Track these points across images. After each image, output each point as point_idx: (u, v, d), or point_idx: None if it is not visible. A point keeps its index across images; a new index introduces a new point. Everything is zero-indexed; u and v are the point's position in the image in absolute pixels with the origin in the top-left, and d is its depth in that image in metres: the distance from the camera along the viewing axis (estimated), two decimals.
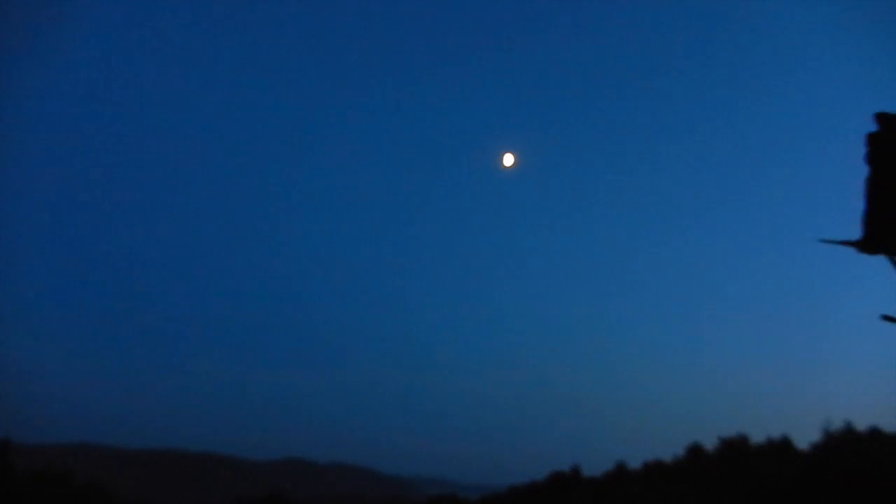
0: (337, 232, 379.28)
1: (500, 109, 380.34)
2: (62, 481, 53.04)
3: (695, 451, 53.35)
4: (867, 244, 9.80)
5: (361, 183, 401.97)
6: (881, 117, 9.71)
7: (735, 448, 48.72)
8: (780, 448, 45.95)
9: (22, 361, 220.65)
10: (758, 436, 48.96)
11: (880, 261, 9.83)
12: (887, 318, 9.79)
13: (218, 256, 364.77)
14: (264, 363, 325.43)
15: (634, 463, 61.61)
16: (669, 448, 70.82)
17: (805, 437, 44.04)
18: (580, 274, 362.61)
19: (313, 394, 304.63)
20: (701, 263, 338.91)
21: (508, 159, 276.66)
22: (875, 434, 39.20)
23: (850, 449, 36.26)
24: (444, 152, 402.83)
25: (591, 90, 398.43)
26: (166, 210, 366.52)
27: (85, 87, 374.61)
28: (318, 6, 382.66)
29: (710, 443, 52.06)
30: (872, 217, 9.72)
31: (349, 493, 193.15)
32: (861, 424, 39.71)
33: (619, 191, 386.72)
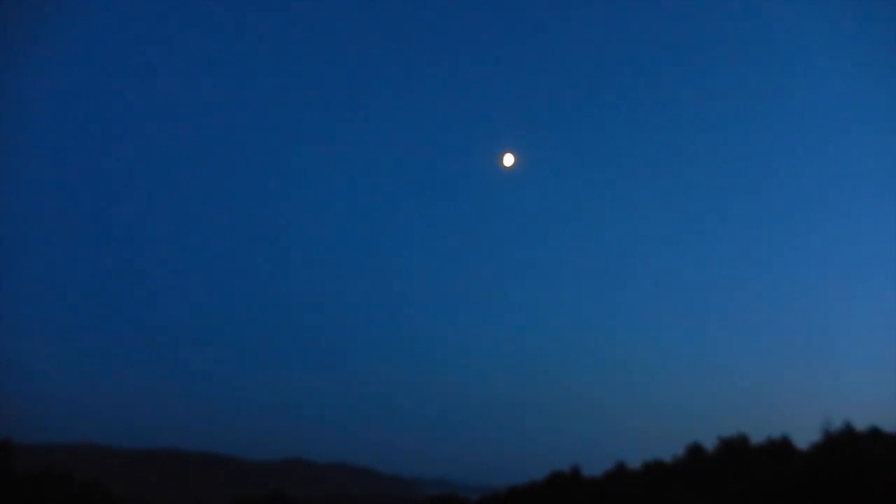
0: (337, 232, 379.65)
1: (500, 110, 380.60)
2: (62, 481, 52.99)
3: (695, 451, 53.30)
4: None
5: (362, 183, 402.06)
6: None
7: (735, 448, 48.66)
8: (780, 448, 45.89)
9: (22, 361, 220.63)
10: (758, 436, 48.94)
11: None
12: None
13: (218, 258, 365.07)
14: (264, 363, 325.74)
15: (634, 463, 61.65)
16: (669, 448, 70.93)
17: (805, 437, 44.02)
18: (580, 274, 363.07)
19: (313, 394, 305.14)
20: (702, 265, 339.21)
21: (508, 159, 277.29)
22: (875, 434, 39.14)
23: (850, 449, 36.18)
24: (444, 152, 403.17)
25: (591, 90, 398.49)
26: (168, 211, 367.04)
27: (85, 88, 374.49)
28: (320, 8, 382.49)
29: (710, 443, 52.05)
30: None
31: (349, 493, 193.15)
32: (861, 424, 39.66)
33: (619, 191, 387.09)
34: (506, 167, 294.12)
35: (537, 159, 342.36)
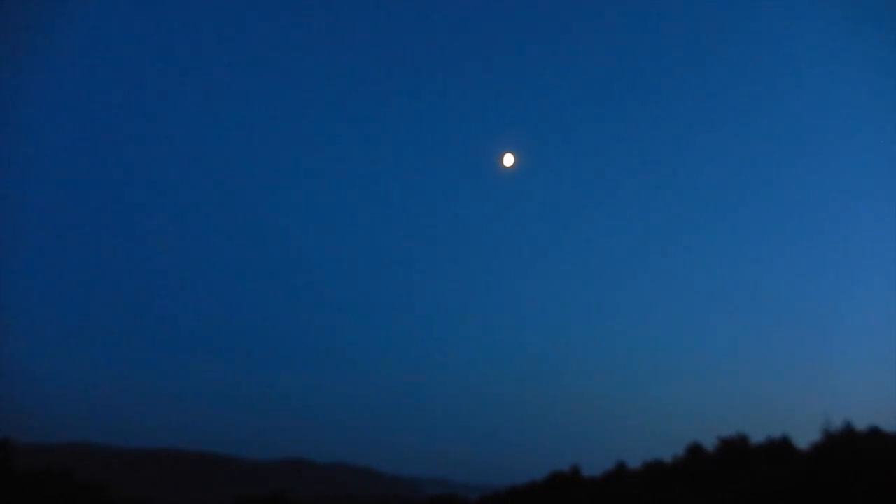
0: (337, 232, 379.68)
1: (500, 109, 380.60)
2: (62, 481, 52.96)
3: (695, 451, 53.32)
4: None
5: (362, 184, 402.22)
6: None
7: (735, 448, 48.68)
8: (780, 448, 45.91)
9: (22, 361, 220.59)
10: (758, 436, 48.99)
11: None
12: None
13: (218, 257, 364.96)
14: (264, 363, 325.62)
15: (634, 463, 61.68)
16: (669, 448, 70.95)
17: (805, 437, 44.05)
18: (579, 274, 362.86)
19: (313, 394, 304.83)
20: (701, 265, 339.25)
21: (508, 159, 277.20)
22: (875, 434, 39.16)
23: (850, 449, 36.19)
24: (444, 152, 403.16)
25: (592, 90, 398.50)
26: (167, 211, 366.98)
27: (86, 87, 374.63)
28: (322, 7, 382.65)
29: (710, 443, 52.10)
30: None
31: (349, 493, 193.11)
32: (861, 424, 39.70)
33: (619, 192, 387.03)
34: (506, 167, 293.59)
35: (537, 159, 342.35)
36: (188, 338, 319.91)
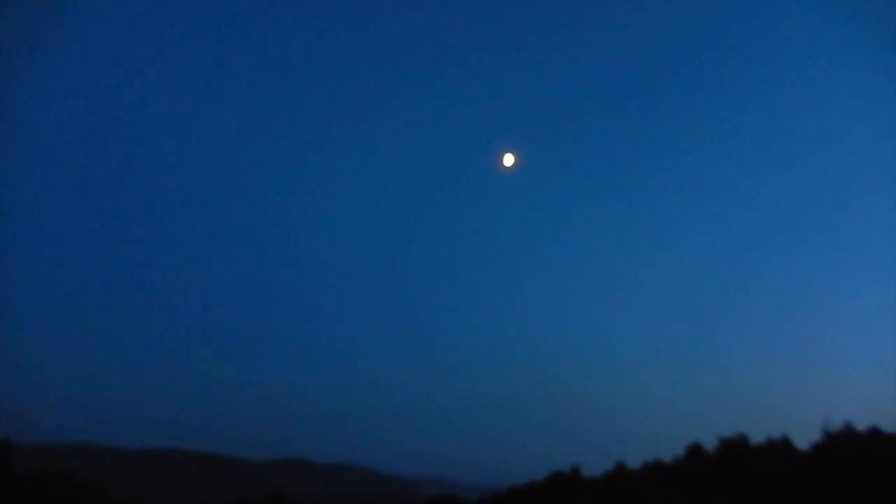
0: (337, 232, 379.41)
1: (500, 109, 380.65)
2: (62, 481, 52.99)
3: (695, 451, 53.32)
4: None
5: (361, 183, 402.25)
6: None
7: (735, 448, 48.69)
8: (780, 448, 45.91)
9: (22, 361, 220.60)
10: (758, 436, 48.99)
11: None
12: None
13: (218, 257, 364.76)
14: (264, 363, 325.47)
15: (634, 463, 61.69)
16: (669, 448, 70.95)
17: (805, 437, 44.04)
18: (579, 274, 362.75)
19: (313, 394, 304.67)
20: (701, 264, 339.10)
21: (508, 159, 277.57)
22: (875, 434, 39.17)
23: (850, 449, 36.22)
24: (444, 152, 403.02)
25: (591, 90, 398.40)
26: (167, 210, 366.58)
27: (86, 86, 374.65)
28: (320, 7, 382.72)
29: (710, 443, 52.09)
30: None
31: (349, 493, 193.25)
32: (861, 424, 39.71)
33: (619, 192, 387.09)
34: (506, 167, 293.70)
35: (537, 159, 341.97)
36: (188, 338, 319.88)
